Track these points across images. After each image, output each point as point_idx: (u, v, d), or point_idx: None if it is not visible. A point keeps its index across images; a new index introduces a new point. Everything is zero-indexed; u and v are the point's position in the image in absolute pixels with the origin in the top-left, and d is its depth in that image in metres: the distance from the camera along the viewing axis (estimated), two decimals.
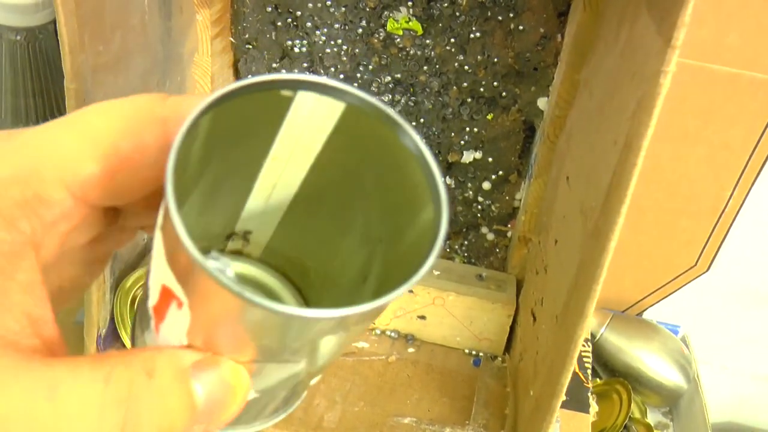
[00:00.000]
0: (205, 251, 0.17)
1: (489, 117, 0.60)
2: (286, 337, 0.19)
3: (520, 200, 0.63)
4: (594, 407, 0.60)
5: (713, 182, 0.70)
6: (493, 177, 0.62)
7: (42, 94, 0.61)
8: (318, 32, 0.59)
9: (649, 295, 0.80)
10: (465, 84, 0.59)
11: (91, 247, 0.23)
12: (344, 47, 0.59)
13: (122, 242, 0.25)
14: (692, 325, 0.80)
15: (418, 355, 0.61)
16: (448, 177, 0.64)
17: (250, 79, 0.18)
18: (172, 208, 0.16)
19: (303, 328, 0.18)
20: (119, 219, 0.23)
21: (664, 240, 0.75)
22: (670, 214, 0.73)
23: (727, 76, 0.64)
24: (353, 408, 0.54)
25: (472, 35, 0.57)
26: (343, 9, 0.57)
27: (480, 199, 0.64)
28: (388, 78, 0.60)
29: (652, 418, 0.76)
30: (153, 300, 0.20)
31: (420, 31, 0.58)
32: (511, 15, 0.56)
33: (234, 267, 0.26)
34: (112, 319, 0.54)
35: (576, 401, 0.55)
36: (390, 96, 0.61)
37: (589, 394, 0.56)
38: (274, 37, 0.60)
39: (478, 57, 0.58)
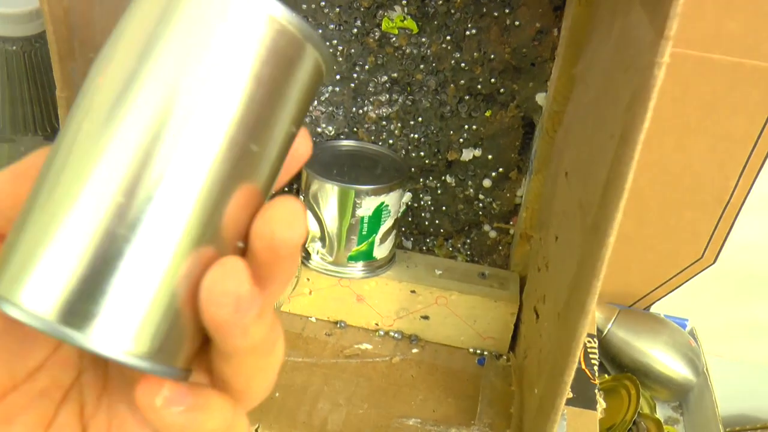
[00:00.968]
0: None
1: (487, 114, 0.59)
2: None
3: (522, 197, 0.62)
4: (601, 404, 0.59)
5: (717, 173, 0.69)
6: (494, 174, 0.62)
7: (39, 103, 0.61)
8: None
9: (655, 289, 0.79)
10: (462, 81, 0.58)
11: None
12: (339, 47, 0.59)
13: None
14: (700, 317, 0.79)
15: (422, 355, 0.61)
16: (448, 176, 0.63)
17: None
18: None
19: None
20: None
21: (669, 233, 0.74)
22: (675, 207, 0.72)
23: (729, 66, 0.63)
24: (357, 410, 0.54)
25: (467, 32, 0.56)
26: (338, 9, 0.57)
27: (481, 196, 0.63)
28: (385, 77, 0.59)
29: (663, 412, 0.76)
30: None
31: (415, 30, 0.57)
32: (507, 11, 0.55)
33: None
34: None
35: (583, 398, 0.54)
36: (387, 95, 0.60)
37: (596, 390, 0.56)
38: None
39: (475, 54, 0.57)
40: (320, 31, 0.58)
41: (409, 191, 0.64)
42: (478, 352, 0.61)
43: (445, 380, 0.58)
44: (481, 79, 0.58)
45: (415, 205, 0.65)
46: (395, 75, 0.59)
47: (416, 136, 0.62)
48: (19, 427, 0.21)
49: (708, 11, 0.60)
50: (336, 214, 0.56)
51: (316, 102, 0.61)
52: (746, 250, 0.75)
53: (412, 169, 0.63)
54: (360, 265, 0.59)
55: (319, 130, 0.63)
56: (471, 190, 0.63)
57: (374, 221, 0.57)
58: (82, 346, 0.19)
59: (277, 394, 0.54)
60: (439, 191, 0.64)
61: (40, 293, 0.19)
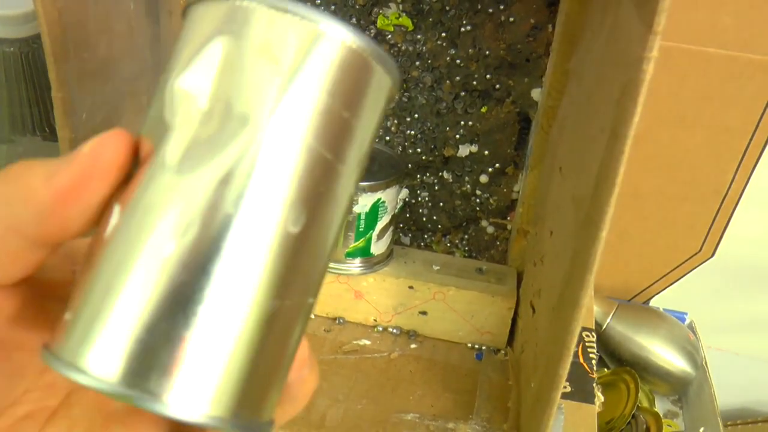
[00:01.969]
0: None
1: (483, 110, 0.60)
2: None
3: (518, 192, 0.63)
4: (599, 398, 0.59)
5: (714, 166, 0.69)
6: (490, 170, 0.62)
7: (38, 103, 0.62)
8: None
9: (654, 282, 0.80)
10: (458, 78, 0.59)
11: None
12: None
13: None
14: (699, 311, 0.79)
15: (421, 350, 0.61)
16: (445, 172, 0.63)
17: None
18: None
19: None
20: None
21: (667, 227, 0.74)
22: (672, 200, 0.72)
23: (724, 59, 0.63)
24: (356, 405, 0.54)
25: (462, 29, 0.57)
26: (333, 7, 0.57)
27: (478, 192, 0.64)
28: None
29: (662, 406, 0.76)
30: None
31: (410, 27, 0.57)
32: (501, 7, 0.55)
33: None
34: None
35: (581, 392, 0.55)
36: None
37: (595, 384, 0.56)
38: None
39: (470, 50, 0.57)
40: None
41: (406, 188, 0.64)
42: (476, 347, 0.62)
43: (443, 375, 0.58)
44: (476, 76, 0.58)
45: (413, 201, 0.65)
46: None
47: (413, 132, 0.62)
48: None
49: (702, 5, 0.60)
50: None
51: None
52: (744, 242, 0.75)
53: (409, 165, 0.63)
54: (358, 261, 0.60)
55: None
56: (468, 186, 0.63)
57: (371, 218, 0.57)
58: (158, 413, 0.17)
59: None
60: (436, 187, 0.64)
61: (107, 357, 0.17)
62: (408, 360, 0.60)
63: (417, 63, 0.59)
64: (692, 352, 0.74)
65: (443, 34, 0.57)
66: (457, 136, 0.61)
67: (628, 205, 0.73)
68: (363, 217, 0.57)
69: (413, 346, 0.62)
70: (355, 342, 0.61)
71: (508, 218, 0.64)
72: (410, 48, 0.58)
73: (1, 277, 0.20)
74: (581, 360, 0.57)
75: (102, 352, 0.17)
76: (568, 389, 0.54)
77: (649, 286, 0.80)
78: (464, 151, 0.62)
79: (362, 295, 0.62)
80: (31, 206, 0.19)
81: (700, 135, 0.68)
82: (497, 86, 0.58)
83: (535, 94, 0.58)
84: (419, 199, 0.65)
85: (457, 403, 0.56)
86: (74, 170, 0.18)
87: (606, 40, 0.40)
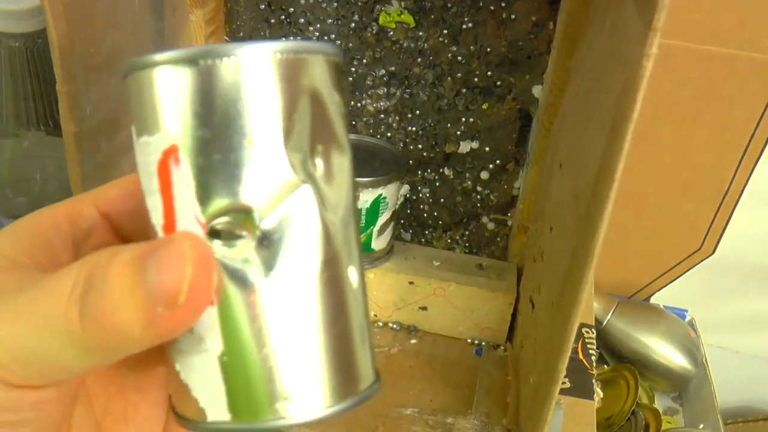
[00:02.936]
0: None
1: (484, 107, 0.60)
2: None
3: (519, 189, 0.63)
4: (599, 394, 0.60)
5: (715, 164, 0.70)
6: (491, 166, 0.63)
7: (42, 98, 0.62)
8: (311, 28, 0.59)
9: (655, 280, 0.80)
10: (459, 75, 0.59)
11: None
12: (338, 42, 0.59)
13: None
14: (699, 308, 0.79)
15: (421, 345, 0.61)
16: (446, 168, 0.64)
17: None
18: None
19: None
20: None
21: (668, 224, 0.75)
22: (673, 198, 0.73)
23: (726, 58, 0.63)
24: None
25: (464, 26, 0.57)
26: (335, 4, 0.58)
27: (479, 188, 0.64)
28: (383, 71, 0.60)
29: (663, 403, 0.76)
30: None
31: (412, 24, 0.58)
32: (503, 4, 0.55)
33: None
34: None
35: (580, 388, 0.55)
36: (385, 89, 0.61)
37: (594, 381, 0.56)
38: (268, 35, 0.60)
39: (471, 47, 0.58)
40: (318, 25, 0.59)
41: (407, 184, 0.65)
42: (476, 342, 0.62)
43: (443, 370, 0.59)
44: (477, 72, 0.59)
45: (414, 197, 0.66)
46: (393, 69, 0.60)
47: (414, 128, 0.62)
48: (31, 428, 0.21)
49: (704, 4, 0.61)
50: None
51: None
52: (745, 240, 0.75)
53: (410, 161, 0.64)
54: None
55: None
56: (469, 182, 0.64)
57: (372, 213, 0.57)
58: (288, 427, 0.22)
59: None
60: (437, 183, 0.65)
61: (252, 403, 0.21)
62: (408, 355, 0.60)
63: (419, 60, 0.59)
64: (692, 350, 0.74)
65: (445, 31, 0.57)
66: (458, 132, 0.61)
67: (629, 202, 0.73)
68: (364, 212, 0.57)
69: (413, 341, 0.62)
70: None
71: (509, 214, 0.65)
72: (412, 45, 0.58)
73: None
74: (581, 356, 0.58)
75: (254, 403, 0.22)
76: (568, 385, 0.55)
77: (649, 284, 0.80)
78: (465, 147, 0.62)
79: None
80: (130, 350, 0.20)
81: (701, 133, 0.68)
82: (498, 83, 0.59)
83: (536, 91, 0.58)
84: (420, 195, 0.65)
85: (456, 398, 0.56)
86: (177, 318, 0.20)
87: (608, 37, 0.41)
